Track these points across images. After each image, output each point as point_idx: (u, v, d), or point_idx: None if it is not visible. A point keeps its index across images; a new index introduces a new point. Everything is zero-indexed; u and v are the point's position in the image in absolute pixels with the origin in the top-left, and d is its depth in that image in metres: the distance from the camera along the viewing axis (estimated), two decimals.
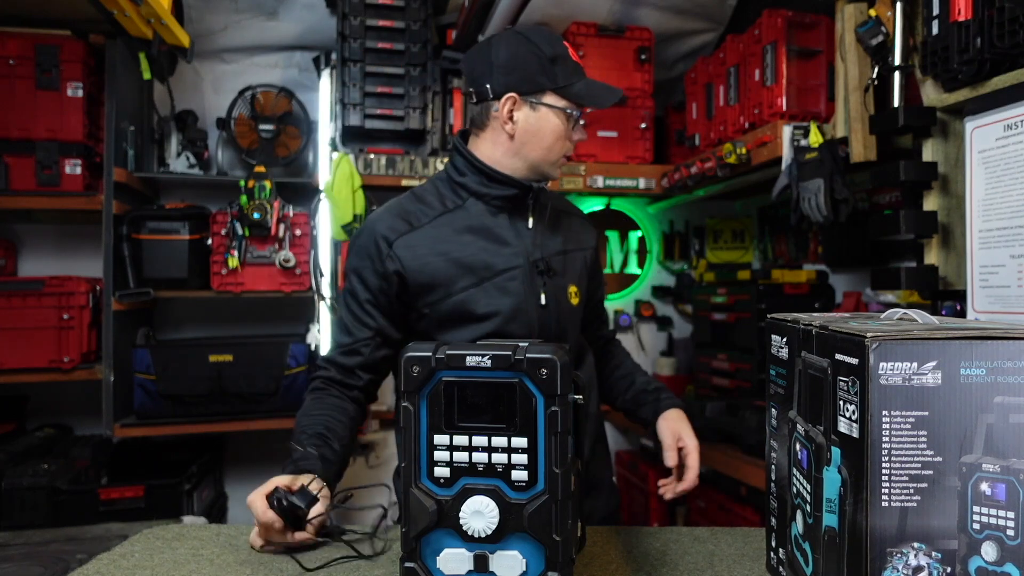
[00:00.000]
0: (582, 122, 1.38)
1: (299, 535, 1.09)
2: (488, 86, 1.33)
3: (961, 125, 1.59)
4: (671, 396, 1.54)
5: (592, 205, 3.25)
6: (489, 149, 1.37)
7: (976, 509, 0.65)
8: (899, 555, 0.66)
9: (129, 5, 2.21)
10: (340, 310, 1.38)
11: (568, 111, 1.34)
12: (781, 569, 0.89)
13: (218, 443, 2.98)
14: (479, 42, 1.58)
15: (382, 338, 1.33)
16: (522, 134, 1.34)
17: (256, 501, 1.08)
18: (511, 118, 1.33)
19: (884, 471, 0.66)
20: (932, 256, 1.70)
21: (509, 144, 1.35)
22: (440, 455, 0.82)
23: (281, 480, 1.12)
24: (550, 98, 1.33)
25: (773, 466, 0.91)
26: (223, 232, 2.64)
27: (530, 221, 1.38)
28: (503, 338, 1.28)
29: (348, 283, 1.36)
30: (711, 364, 2.84)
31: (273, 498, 1.06)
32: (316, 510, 1.09)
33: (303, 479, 1.11)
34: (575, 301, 1.41)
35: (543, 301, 1.35)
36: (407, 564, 0.83)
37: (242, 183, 2.64)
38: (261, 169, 2.67)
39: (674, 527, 1.20)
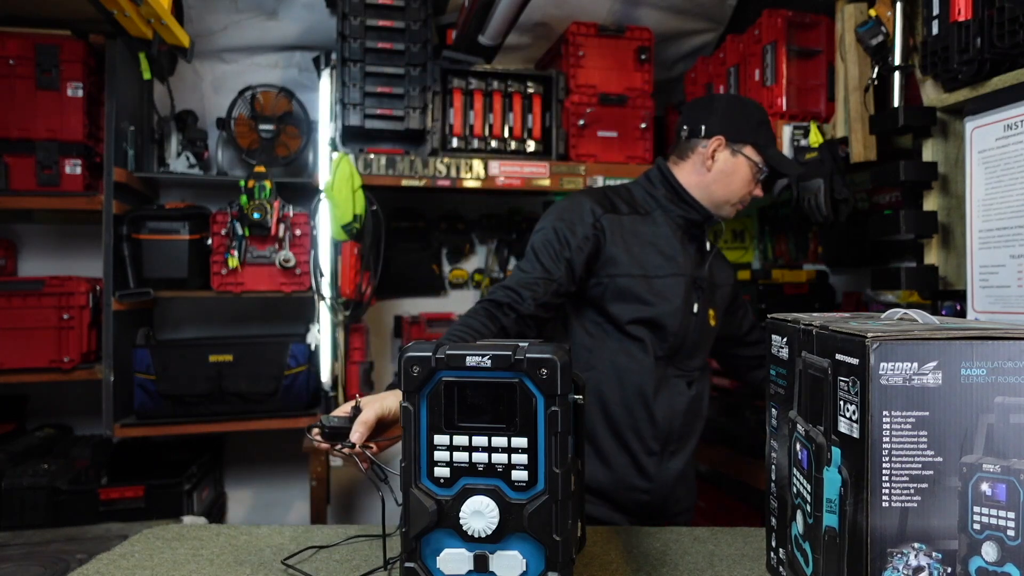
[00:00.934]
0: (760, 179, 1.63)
1: (346, 450, 0.99)
2: (704, 126, 1.60)
3: (961, 125, 1.59)
4: None
5: None
6: (685, 176, 1.62)
7: (976, 509, 0.65)
8: (899, 555, 0.66)
9: (129, 5, 2.20)
10: (527, 255, 1.51)
11: (759, 166, 1.59)
12: (781, 569, 0.89)
13: (218, 443, 2.98)
14: (705, 95, 1.89)
15: (557, 284, 1.46)
16: (717, 172, 1.60)
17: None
18: (713, 156, 1.59)
19: (884, 471, 0.66)
20: (932, 256, 1.70)
21: (703, 176, 1.61)
22: (440, 455, 0.82)
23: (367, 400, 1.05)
24: (750, 151, 1.59)
25: (773, 466, 0.91)
26: (223, 232, 2.64)
27: (708, 244, 1.66)
28: (656, 327, 1.53)
29: (542, 236, 1.51)
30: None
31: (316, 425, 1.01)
32: (357, 434, 0.98)
33: (380, 398, 1.04)
34: (713, 323, 1.65)
35: (695, 310, 1.59)
36: (407, 564, 0.83)
37: (242, 183, 2.64)
38: (261, 169, 2.67)
39: (674, 527, 1.20)
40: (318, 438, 0.99)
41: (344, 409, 1.03)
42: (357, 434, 1.00)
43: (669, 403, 1.57)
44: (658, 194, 1.63)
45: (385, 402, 1.02)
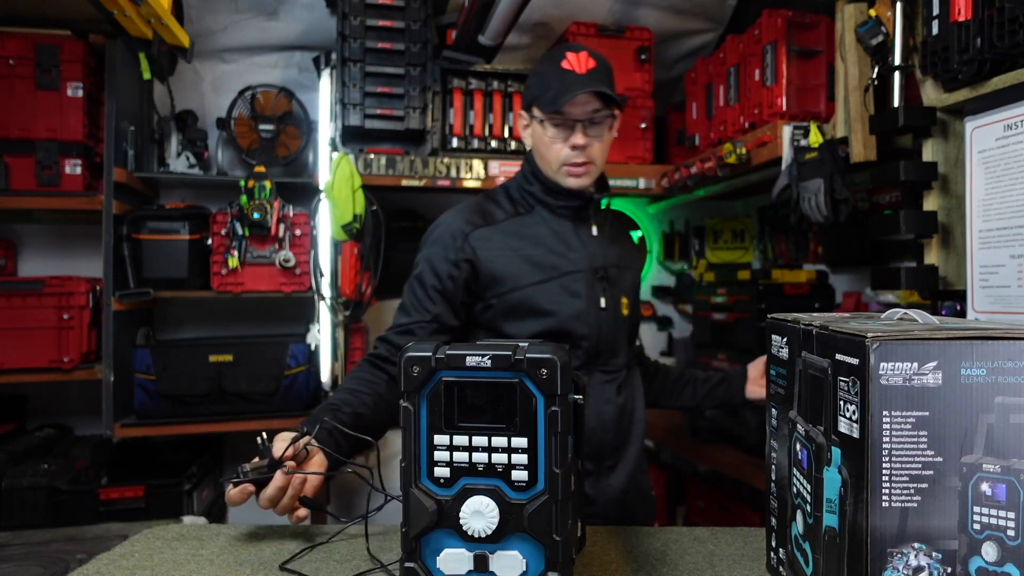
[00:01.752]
0: (578, 127, 1.41)
1: (264, 500, 1.07)
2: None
3: (961, 125, 1.59)
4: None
5: None
6: (537, 163, 1.50)
7: (976, 509, 0.65)
8: (899, 555, 0.66)
9: (129, 5, 2.20)
10: (404, 294, 1.45)
11: (542, 120, 1.42)
12: (781, 569, 0.89)
13: (218, 443, 2.98)
14: None
15: (439, 324, 1.40)
16: (533, 149, 1.48)
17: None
18: (527, 134, 1.49)
19: (884, 471, 0.66)
20: (932, 256, 1.70)
21: (535, 157, 1.49)
22: (440, 455, 0.82)
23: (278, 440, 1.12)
24: (535, 110, 1.44)
25: (773, 466, 0.91)
26: (223, 232, 2.64)
27: (594, 229, 1.50)
28: (563, 336, 1.40)
29: (417, 270, 1.44)
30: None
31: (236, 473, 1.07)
32: (277, 482, 1.06)
33: (283, 438, 1.11)
34: (625, 312, 1.52)
35: (603, 304, 1.45)
36: (407, 564, 0.83)
37: (242, 183, 2.64)
38: (261, 169, 2.67)
39: (674, 527, 1.20)
40: (247, 476, 1.05)
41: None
42: (279, 448, 1.07)
43: (596, 415, 1.45)
44: (534, 189, 1.49)
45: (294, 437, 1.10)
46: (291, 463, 1.08)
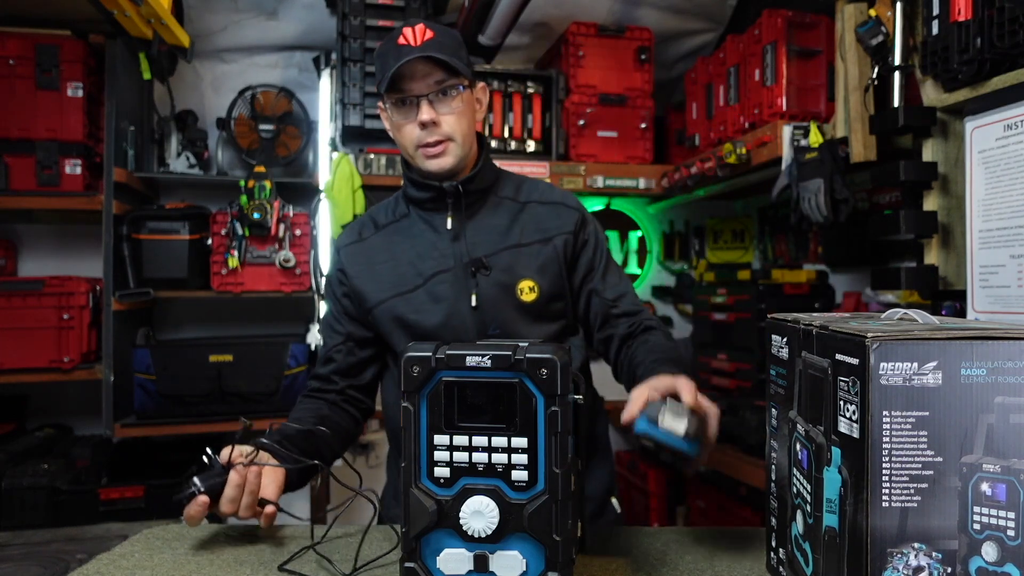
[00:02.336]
0: (422, 103, 1.27)
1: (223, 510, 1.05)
2: None
3: (961, 125, 1.59)
4: (660, 363, 1.21)
5: (592, 205, 3.25)
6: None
7: (976, 509, 0.65)
8: (899, 555, 0.66)
9: (129, 5, 2.21)
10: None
11: (386, 103, 1.32)
12: (781, 569, 0.89)
13: (218, 443, 2.97)
14: None
15: (353, 342, 1.36)
16: (396, 141, 1.36)
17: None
18: (388, 128, 1.36)
19: (884, 471, 0.65)
20: (932, 256, 1.70)
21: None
22: (440, 455, 0.82)
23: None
24: (386, 101, 1.33)
25: (773, 466, 0.91)
26: (223, 232, 2.64)
27: (448, 222, 1.34)
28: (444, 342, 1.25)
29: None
30: (711, 364, 2.85)
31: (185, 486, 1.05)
32: (232, 480, 1.04)
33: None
34: (529, 297, 1.32)
35: (474, 302, 1.30)
36: (407, 564, 0.83)
37: (242, 183, 2.64)
38: (261, 169, 2.67)
39: (674, 527, 1.19)
40: (199, 487, 1.04)
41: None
42: (224, 454, 1.05)
43: None
44: (407, 188, 1.38)
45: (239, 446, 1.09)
46: (240, 461, 1.06)
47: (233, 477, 1.03)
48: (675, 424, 0.90)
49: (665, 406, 0.92)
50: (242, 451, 1.08)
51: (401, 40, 1.26)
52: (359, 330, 1.37)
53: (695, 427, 0.90)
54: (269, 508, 1.07)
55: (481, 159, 1.36)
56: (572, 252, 1.37)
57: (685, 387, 0.99)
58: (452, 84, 1.28)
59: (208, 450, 1.09)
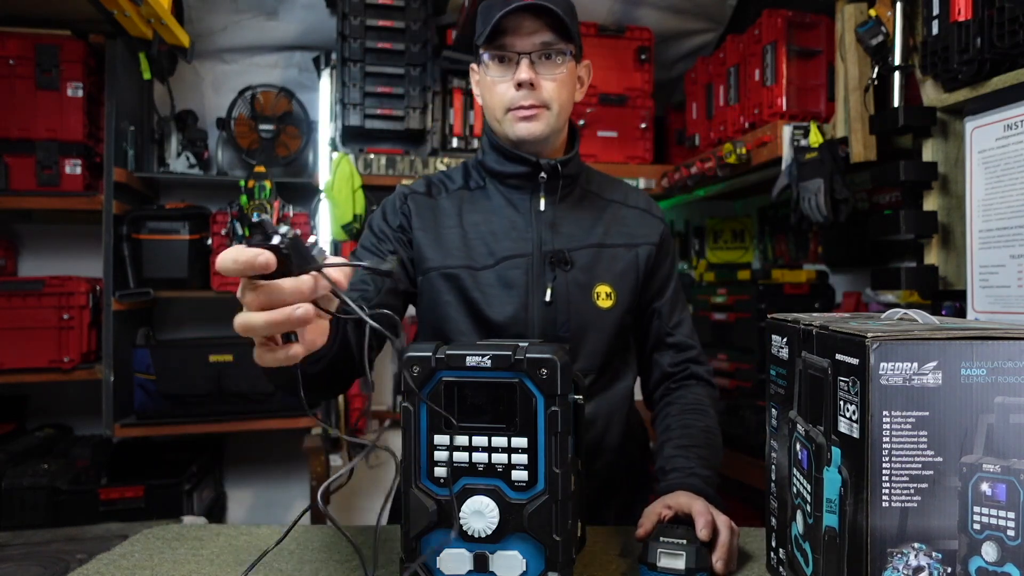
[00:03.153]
0: (523, 61, 1.16)
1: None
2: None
3: (961, 125, 1.59)
4: (687, 472, 1.13)
5: None
6: (487, 123, 1.27)
7: (976, 509, 0.65)
8: (899, 555, 0.66)
9: (129, 5, 2.21)
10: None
11: (484, 59, 1.20)
12: (781, 569, 0.89)
13: (218, 443, 2.98)
14: None
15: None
16: (484, 106, 1.25)
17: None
18: (477, 93, 1.27)
19: (884, 471, 0.66)
20: (932, 256, 1.70)
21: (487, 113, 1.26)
22: (440, 455, 0.82)
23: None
24: (480, 53, 1.21)
25: (773, 466, 0.91)
26: (223, 232, 2.64)
27: (542, 203, 1.23)
28: (498, 331, 1.19)
29: (360, 241, 1.27)
30: (711, 364, 2.84)
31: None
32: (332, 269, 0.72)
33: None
34: (605, 304, 1.22)
35: (548, 297, 1.19)
36: (407, 564, 0.83)
37: (242, 183, 2.64)
38: (261, 169, 2.67)
39: None
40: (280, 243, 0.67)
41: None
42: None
43: None
44: (487, 158, 1.26)
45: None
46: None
47: (305, 278, 0.69)
48: (673, 563, 0.91)
49: (658, 545, 0.92)
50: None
51: None
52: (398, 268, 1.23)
53: (695, 558, 0.91)
54: (297, 348, 0.72)
55: (574, 144, 1.27)
56: (650, 265, 1.28)
57: (700, 518, 0.96)
58: (560, 49, 1.18)
59: (264, 218, 0.80)
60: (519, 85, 1.17)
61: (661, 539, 0.93)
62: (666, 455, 1.18)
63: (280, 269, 0.67)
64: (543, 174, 1.22)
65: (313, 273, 0.69)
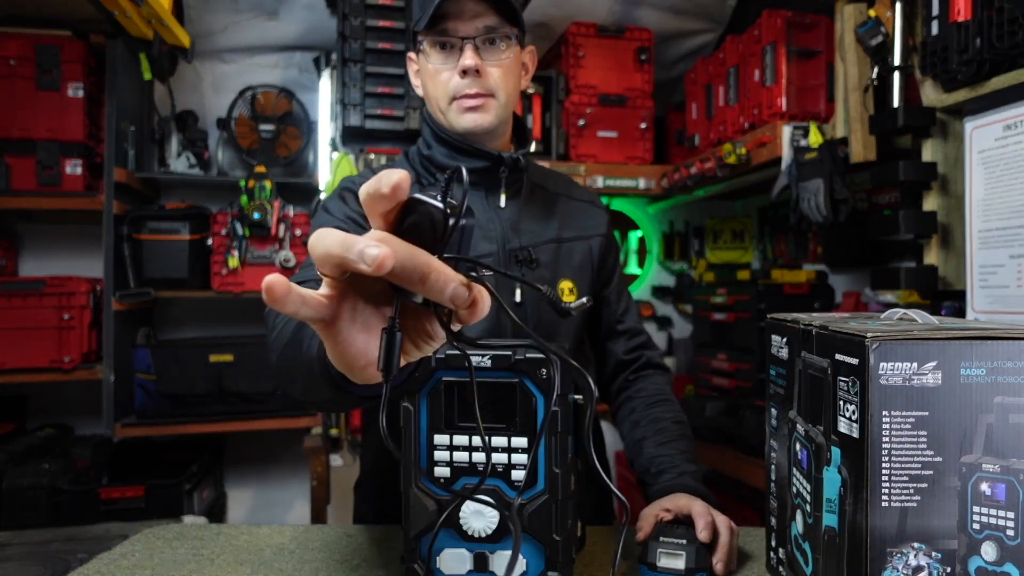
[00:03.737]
0: (467, 47, 1.09)
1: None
2: None
3: (961, 125, 1.59)
4: (677, 472, 1.11)
5: None
6: (429, 112, 1.18)
7: (976, 509, 0.65)
8: (899, 555, 0.66)
9: (129, 5, 2.21)
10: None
11: (425, 50, 1.12)
12: (781, 569, 0.89)
13: (218, 443, 2.98)
14: None
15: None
16: (423, 94, 1.17)
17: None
18: (416, 82, 1.19)
19: (884, 471, 0.66)
20: (932, 256, 1.70)
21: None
22: (440, 455, 0.82)
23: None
24: (419, 40, 1.13)
25: (773, 466, 0.91)
26: (223, 232, 2.64)
27: (502, 199, 1.17)
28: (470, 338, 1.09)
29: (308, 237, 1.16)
30: (711, 364, 2.85)
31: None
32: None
33: None
34: (570, 299, 1.19)
35: (518, 298, 1.15)
36: (407, 564, 0.83)
37: (242, 183, 2.64)
38: (261, 169, 2.67)
39: None
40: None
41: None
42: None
43: None
44: (433, 152, 1.17)
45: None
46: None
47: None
48: (673, 563, 0.91)
49: (658, 545, 0.92)
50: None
51: None
52: None
53: (695, 558, 0.91)
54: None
55: (527, 135, 1.23)
56: (602, 256, 1.27)
57: (700, 519, 0.96)
58: (505, 33, 1.11)
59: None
60: (464, 72, 1.09)
61: (661, 539, 0.93)
62: (648, 455, 1.15)
63: (425, 237, 0.47)
64: (504, 168, 1.15)
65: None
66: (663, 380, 1.30)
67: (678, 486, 1.07)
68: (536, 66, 1.26)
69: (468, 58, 1.08)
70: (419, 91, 1.19)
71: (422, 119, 1.22)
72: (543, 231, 1.20)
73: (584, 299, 0.77)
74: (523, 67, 1.21)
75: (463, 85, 1.10)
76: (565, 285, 1.20)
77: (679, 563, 0.91)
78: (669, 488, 1.08)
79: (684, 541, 0.92)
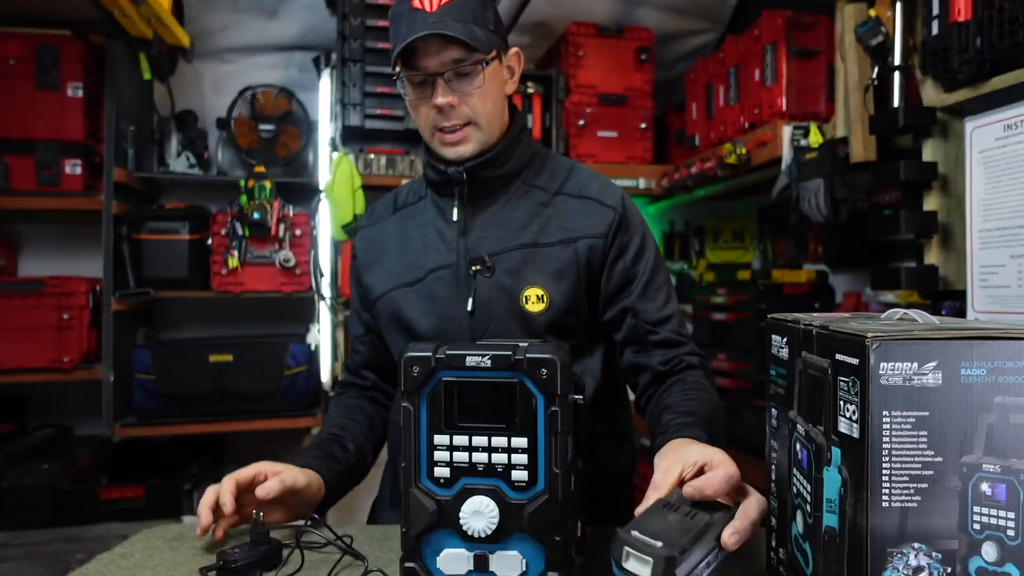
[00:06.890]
0: (438, 84, 1.12)
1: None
2: None
3: (961, 125, 1.59)
4: (693, 424, 1.01)
5: None
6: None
7: (976, 509, 0.65)
8: (899, 555, 0.66)
9: (129, 5, 2.21)
10: None
11: (399, 73, 1.14)
12: (781, 569, 0.89)
13: (218, 443, 2.98)
14: None
15: (374, 333, 1.27)
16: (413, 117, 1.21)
17: (208, 495, 1.06)
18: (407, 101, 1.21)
19: (884, 471, 0.65)
20: (932, 256, 1.70)
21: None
22: (440, 455, 0.82)
23: (263, 466, 1.14)
24: (399, 75, 1.16)
25: (773, 466, 0.91)
26: (223, 232, 2.64)
27: (454, 212, 1.19)
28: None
29: None
30: (711, 364, 2.85)
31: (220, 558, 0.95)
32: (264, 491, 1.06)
33: (290, 473, 1.12)
34: (536, 307, 1.14)
35: (470, 307, 1.14)
36: (407, 564, 0.83)
37: (242, 183, 2.64)
38: (261, 169, 2.67)
39: None
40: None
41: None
42: (263, 490, 1.06)
43: None
44: (427, 170, 1.24)
45: (286, 475, 1.11)
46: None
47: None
48: (639, 568, 0.72)
49: (628, 541, 0.73)
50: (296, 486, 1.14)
51: (416, 3, 1.09)
52: (375, 322, 1.27)
53: (662, 569, 0.70)
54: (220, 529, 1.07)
55: (506, 140, 1.19)
56: (601, 260, 1.18)
57: (732, 524, 0.79)
58: (475, 60, 1.11)
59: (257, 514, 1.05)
60: (439, 109, 1.13)
61: (633, 533, 0.73)
62: (664, 421, 1.05)
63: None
64: (455, 184, 1.18)
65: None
66: (702, 374, 1.19)
67: (688, 433, 0.96)
68: (523, 65, 1.25)
69: (439, 96, 1.12)
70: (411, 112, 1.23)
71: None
72: (513, 237, 1.17)
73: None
74: (508, 71, 1.21)
75: (440, 119, 1.14)
76: (532, 292, 1.15)
77: (645, 570, 0.71)
78: (679, 431, 0.97)
79: (659, 544, 0.71)
